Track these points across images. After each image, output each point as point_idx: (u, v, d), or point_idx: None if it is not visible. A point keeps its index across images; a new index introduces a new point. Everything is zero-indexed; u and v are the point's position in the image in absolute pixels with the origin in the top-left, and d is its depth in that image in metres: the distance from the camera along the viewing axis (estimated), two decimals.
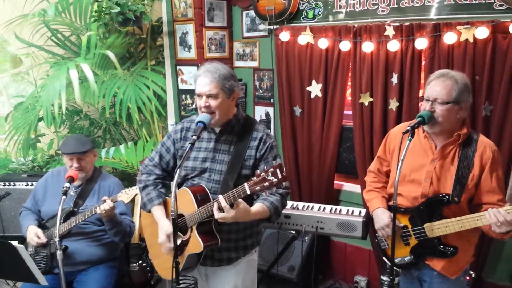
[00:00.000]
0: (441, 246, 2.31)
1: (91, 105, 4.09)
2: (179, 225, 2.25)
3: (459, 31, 2.89)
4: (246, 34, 4.16)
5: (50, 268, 2.87)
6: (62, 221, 2.82)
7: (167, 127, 4.49)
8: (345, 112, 3.62)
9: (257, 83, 4.16)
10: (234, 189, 2.05)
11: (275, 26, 3.77)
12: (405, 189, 2.39)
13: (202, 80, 2.24)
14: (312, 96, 3.66)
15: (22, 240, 2.96)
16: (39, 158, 3.93)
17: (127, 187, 2.89)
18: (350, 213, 3.15)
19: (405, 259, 2.43)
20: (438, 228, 2.28)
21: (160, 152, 2.47)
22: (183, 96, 4.39)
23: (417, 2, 3.08)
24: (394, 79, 3.22)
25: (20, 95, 3.80)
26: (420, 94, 3.21)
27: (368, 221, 3.07)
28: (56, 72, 3.89)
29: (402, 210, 2.40)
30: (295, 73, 3.72)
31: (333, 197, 3.79)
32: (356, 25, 3.33)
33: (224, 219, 2.07)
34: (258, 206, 2.20)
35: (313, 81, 3.63)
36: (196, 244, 2.20)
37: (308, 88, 3.67)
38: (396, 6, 3.18)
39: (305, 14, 3.65)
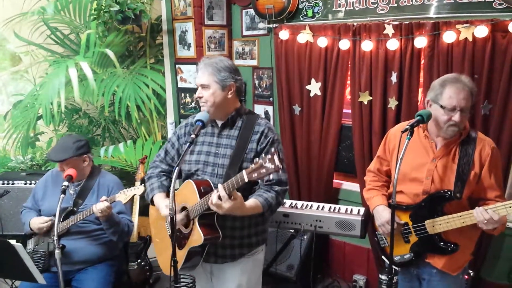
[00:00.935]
0: (442, 243, 2.32)
1: (90, 104, 4.08)
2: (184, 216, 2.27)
3: (458, 30, 2.89)
4: (245, 33, 4.16)
5: (48, 266, 2.87)
6: (61, 219, 2.83)
7: (166, 125, 4.48)
8: (344, 110, 3.62)
9: (256, 82, 4.16)
10: (233, 178, 2.05)
11: (274, 25, 3.76)
12: (406, 186, 2.40)
13: (198, 73, 2.33)
14: (311, 94, 3.66)
15: (22, 238, 2.96)
16: (38, 157, 3.92)
17: (126, 186, 2.89)
18: (349, 212, 3.15)
19: (404, 257, 2.43)
20: (440, 224, 2.29)
21: (165, 148, 2.54)
22: (182, 94, 4.39)
23: (416, 1, 3.08)
24: (394, 78, 3.21)
25: (19, 93, 3.79)
26: (420, 94, 3.22)
27: (367, 220, 3.07)
28: (55, 70, 3.88)
29: (404, 207, 2.41)
30: (295, 72, 3.72)
31: (332, 196, 3.80)
32: (355, 23, 3.33)
33: (220, 208, 2.06)
34: (251, 202, 2.20)
35: (312, 80, 3.63)
36: (197, 236, 2.19)
37: (307, 87, 3.66)
38: (396, 4, 3.17)
39: (305, 13, 3.65)
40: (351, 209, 3.18)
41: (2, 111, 3.75)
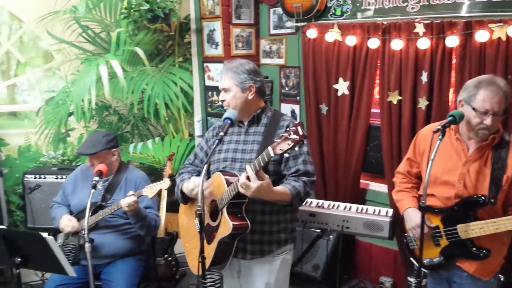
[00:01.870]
0: (474, 248, 2.27)
1: (120, 101, 4.15)
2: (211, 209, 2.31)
3: (491, 29, 2.82)
4: (273, 32, 4.16)
5: (78, 259, 2.94)
6: (90, 214, 2.88)
7: (193, 123, 4.52)
8: (372, 110, 3.58)
9: (283, 81, 4.15)
10: (259, 156, 2.06)
11: (302, 23, 3.75)
12: (438, 190, 2.35)
13: (221, 76, 2.45)
14: (339, 94, 3.63)
15: (52, 232, 3.03)
16: (69, 152, 4.00)
17: (153, 182, 2.92)
18: (377, 212, 3.12)
19: (434, 260, 2.39)
20: (473, 229, 2.24)
21: (195, 152, 2.62)
22: (210, 92, 4.42)
23: (448, 0, 3.02)
24: (424, 77, 3.16)
25: (51, 90, 3.88)
26: (451, 94, 3.16)
27: (395, 221, 3.03)
28: (87, 68, 3.96)
29: (436, 210, 2.36)
30: (322, 71, 3.69)
31: (359, 197, 3.76)
32: (385, 22, 3.28)
33: (248, 188, 2.06)
34: (279, 187, 2.22)
35: (340, 79, 3.60)
36: (226, 226, 2.19)
37: (335, 86, 3.64)
38: (427, 3, 3.12)
39: (333, 11, 3.63)
40: (379, 210, 3.14)
41: (35, 107, 3.85)
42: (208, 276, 2.11)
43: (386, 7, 3.32)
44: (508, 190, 2.24)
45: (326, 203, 3.30)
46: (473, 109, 2.18)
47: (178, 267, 3.77)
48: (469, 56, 2.95)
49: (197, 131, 4.52)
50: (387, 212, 3.10)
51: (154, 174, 4.23)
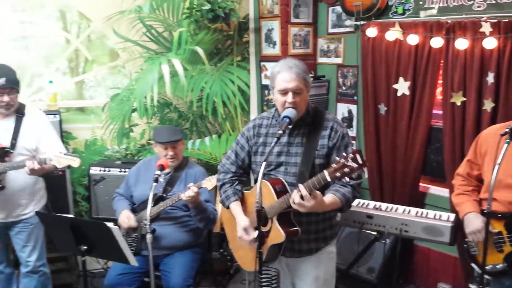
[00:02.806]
0: None
1: (180, 99, 4.27)
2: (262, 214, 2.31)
3: None
4: (331, 30, 4.13)
5: (139, 250, 3.06)
6: (152, 205, 2.99)
7: (249, 121, 4.56)
8: (434, 111, 3.47)
9: (340, 80, 4.11)
10: (314, 177, 2.06)
11: (362, 22, 3.70)
12: (500, 194, 2.26)
13: (286, 76, 2.26)
14: (399, 94, 3.55)
15: (114, 222, 3.16)
16: (132, 147, 4.17)
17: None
18: (437, 217, 3.01)
19: (497, 266, 2.30)
20: None
21: (235, 150, 2.53)
22: (266, 91, 4.45)
23: None
24: (490, 78, 3.03)
25: (116, 87, 4.05)
26: None
27: (457, 226, 2.93)
28: (150, 66, 4.10)
29: (499, 215, 2.28)
30: (381, 70, 3.63)
31: (418, 200, 3.65)
32: (449, 21, 3.18)
33: (303, 207, 2.07)
34: (330, 197, 2.20)
35: (401, 79, 3.52)
36: (277, 234, 2.23)
37: (395, 86, 3.56)
38: (494, 1, 3.00)
39: (394, 10, 3.56)
40: (440, 215, 3.03)
41: (101, 103, 4.03)
42: (264, 272, 2.13)
43: (451, 6, 3.21)
44: None
45: (384, 205, 3.24)
46: None
47: (233, 262, 3.83)
48: None
49: None
50: (448, 217, 3.00)
51: (211, 170, 4.29)
